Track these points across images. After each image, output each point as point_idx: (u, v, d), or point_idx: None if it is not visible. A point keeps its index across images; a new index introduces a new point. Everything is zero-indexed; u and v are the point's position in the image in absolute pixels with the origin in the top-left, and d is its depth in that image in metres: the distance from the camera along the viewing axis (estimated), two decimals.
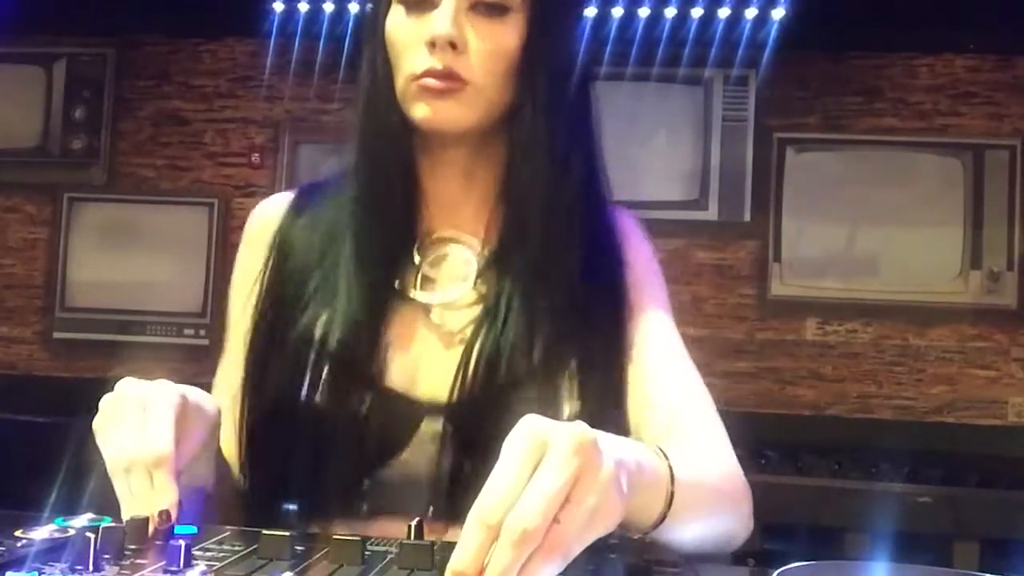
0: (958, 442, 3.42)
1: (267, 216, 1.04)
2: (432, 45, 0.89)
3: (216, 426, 0.88)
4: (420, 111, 0.91)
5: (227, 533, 0.80)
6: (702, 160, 3.55)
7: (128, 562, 0.68)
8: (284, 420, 0.91)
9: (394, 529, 0.83)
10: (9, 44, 3.68)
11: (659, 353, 1.00)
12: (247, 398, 0.98)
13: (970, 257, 3.51)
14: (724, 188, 3.54)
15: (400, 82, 0.93)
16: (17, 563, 0.65)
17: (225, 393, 1.00)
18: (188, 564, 0.67)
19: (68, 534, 0.73)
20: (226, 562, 0.71)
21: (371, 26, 0.95)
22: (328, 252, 0.97)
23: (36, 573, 0.63)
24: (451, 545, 0.78)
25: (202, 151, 3.84)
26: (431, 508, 0.89)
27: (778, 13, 3.19)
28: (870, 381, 3.55)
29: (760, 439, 3.02)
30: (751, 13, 3.20)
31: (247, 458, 0.98)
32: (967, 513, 2.80)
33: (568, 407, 0.91)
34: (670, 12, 3.20)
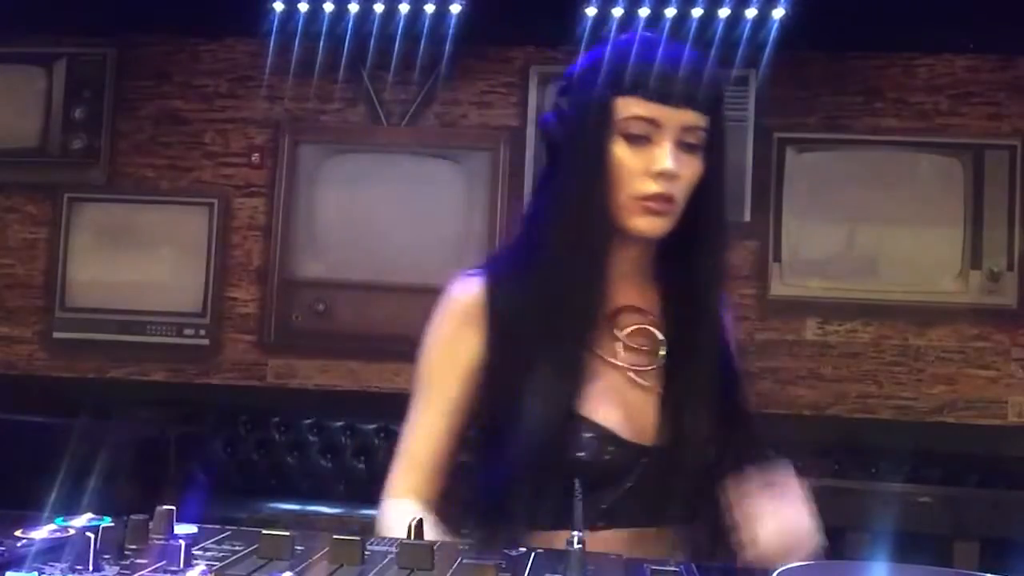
0: (958, 442, 3.42)
1: (472, 295, 1.23)
2: (659, 175, 1.15)
3: None
4: (641, 224, 1.17)
5: (227, 533, 0.80)
6: None
7: (128, 562, 0.69)
8: (548, 467, 1.14)
9: (618, 539, 1.13)
10: (9, 44, 3.68)
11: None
12: (490, 446, 1.20)
13: (970, 257, 3.51)
14: None
15: (621, 198, 1.17)
16: (17, 563, 0.65)
17: (427, 438, 1.20)
18: (188, 564, 0.67)
19: (68, 534, 0.73)
20: (226, 562, 0.71)
21: (590, 145, 1.18)
22: (544, 325, 1.19)
23: (36, 573, 0.63)
24: (451, 545, 0.78)
25: (202, 151, 3.84)
26: (644, 520, 1.16)
27: (778, 13, 3.19)
28: (870, 381, 3.55)
29: (760, 439, 3.02)
30: (751, 13, 3.20)
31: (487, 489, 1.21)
32: (967, 513, 2.80)
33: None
34: (670, 12, 3.20)
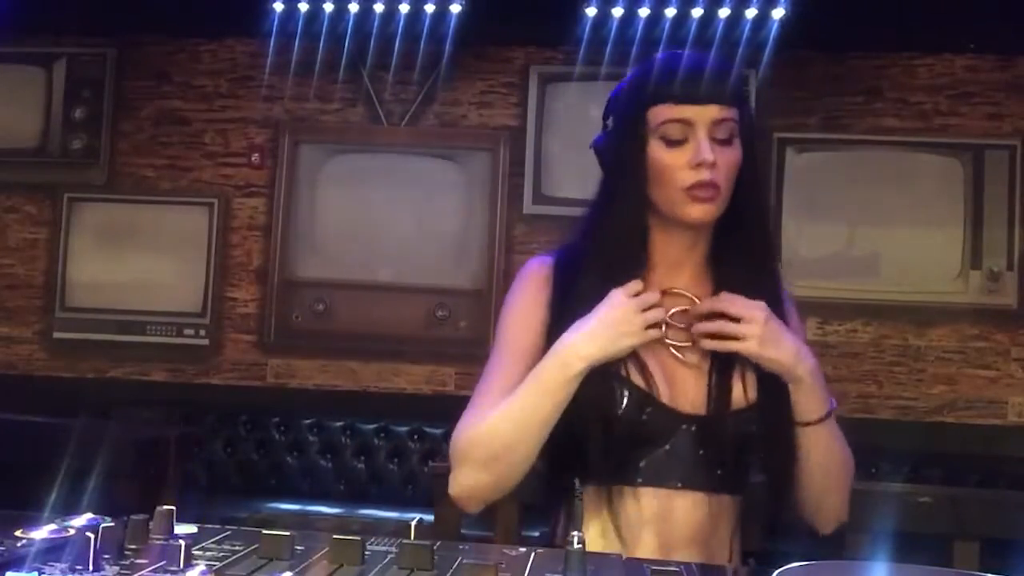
0: (958, 442, 3.42)
1: (544, 270, 1.40)
2: (699, 166, 1.28)
3: None
4: (693, 212, 1.31)
5: (227, 533, 0.80)
6: None
7: (128, 562, 0.68)
8: (590, 420, 1.27)
9: (654, 496, 1.27)
10: (9, 44, 3.68)
11: None
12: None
13: (970, 257, 3.51)
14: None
15: (671, 193, 1.31)
16: (17, 563, 0.65)
17: (500, 379, 1.32)
18: (188, 564, 0.67)
19: (68, 534, 0.73)
20: (226, 562, 0.71)
21: (629, 149, 1.33)
22: (595, 299, 1.31)
23: (36, 573, 0.63)
24: (451, 545, 0.78)
25: (202, 151, 3.84)
26: (680, 482, 1.27)
27: (778, 13, 3.19)
28: (870, 381, 3.55)
29: None
30: (751, 13, 3.20)
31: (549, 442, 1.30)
32: (967, 513, 2.80)
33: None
34: (670, 12, 3.20)
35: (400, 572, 0.72)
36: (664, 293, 1.35)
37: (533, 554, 0.79)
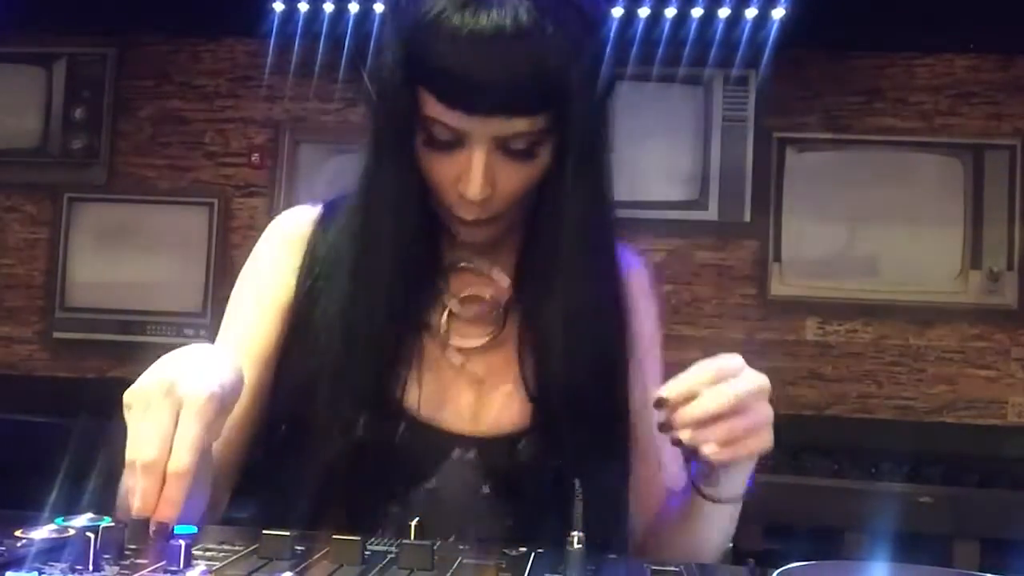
0: (958, 442, 3.42)
1: (298, 224, 1.06)
2: (468, 200, 0.93)
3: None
4: (462, 233, 0.98)
5: (227, 533, 0.80)
6: (702, 160, 3.55)
7: (128, 562, 0.68)
8: (318, 441, 0.95)
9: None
10: (9, 44, 3.68)
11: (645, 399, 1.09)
12: (273, 404, 1.01)
13: (970, 257, 3.51)
14: (724, 188, 3.54)
15: (438, 197, 0.96)
16: (17, 563, 0.65)
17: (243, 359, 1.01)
18: (188, 564, 0.67)
19: (68, 534, 0.73)
20: (226, 562, 0.71)
21: (390, 136, 0.96)
22: (354, 273, 0.99)
23: (36, 573, 0.63)
24: (451, 545, 0.78)
25: (202, 151, 3.84)
26: (454, 535, 0.91)
27: (778, 13, 3.18)
28: (870, 381, 3.54)
29: None
30: (751, 13, 3.20)
31: (266, 463, 1.02)
32: (967, 513, 2.80)
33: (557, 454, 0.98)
34: (670, 12, 3.20)
35: (400, 572, 0.72)
36: (455, 269, 1.03)
37: (533, 554, 0.79)
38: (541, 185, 0.97)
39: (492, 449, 0.97)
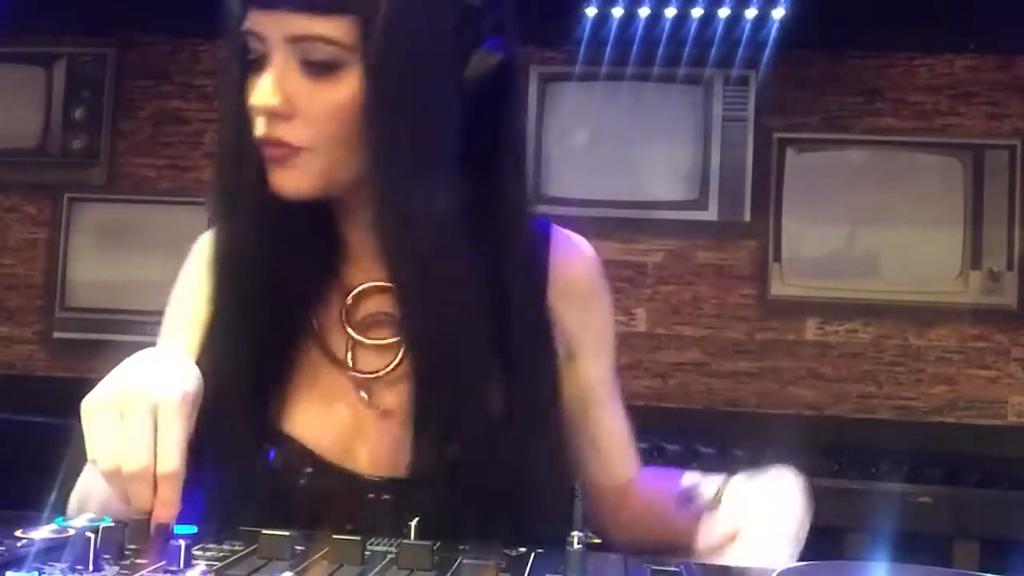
0: (958, 442, 3.42)
1: (206, 241, 0.99)
2: (256, 112, 0.84)
3: None
4: (270, 180, 0.86)
5: (227, 533, 0.80)
6: (702, 160, 3.55)
7: (128, 562, 0.68)
8: (222, 470, 0.89)
9: None
10: (9, 44, 3.68)
11: (598, 400, 1.04)
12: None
13: (970, 257, 3.50)
14: (724, 188, 3.54)
15: (252, 128, 0.86)
16: (17, 563, 0.65)
17: None
18: (188, 564, 0.67)
19: (68, 534, 0.73)
20: (226, 562, 0.71)
21: (222, 71, 0.90)
22: (244, 300, 0.92)
23: (36, 573, 0.63)
24: (452, 545, 0.78)
25: (202, 151, 3.84)
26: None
27: (778, 13, 3.19)
28: (870, 381, 3.54)
29: (760, 439, 3.02)
30: (751, 13, 3.20)
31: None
32: (967, 513, 2.80)
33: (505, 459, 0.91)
34: (670, 12, 3.20)
35: (400, 572, 0.72)
36: (359, 292, 0.94)
37: (533, 554, 0.79)
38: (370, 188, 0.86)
39: (410, 491, 0.89)
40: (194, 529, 0.79)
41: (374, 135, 0.84)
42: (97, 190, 3.84)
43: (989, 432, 3.46)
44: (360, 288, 0.94)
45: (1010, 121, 3.55)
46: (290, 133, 0.84)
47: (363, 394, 0.92)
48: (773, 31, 3.21)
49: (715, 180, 3.54)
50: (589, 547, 0.74)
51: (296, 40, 0.82)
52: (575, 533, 0.74)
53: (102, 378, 0.85)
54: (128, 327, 3.80)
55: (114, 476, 0.77)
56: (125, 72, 3.86)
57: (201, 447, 0.82)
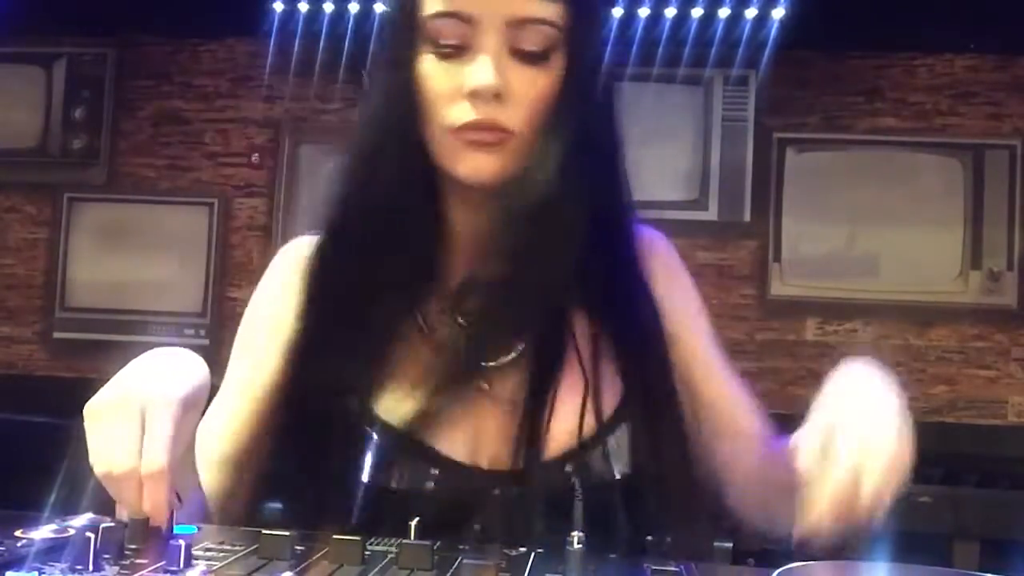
0: (958, 442, 3.41)
1: (301, 254, 0.96)
2: (473, 96, 0.83)
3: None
4: (463, 167, 0.85)
5: (227, 533, 0.80)
6: (702, 160, 3.55)
7: (128, 562, 0.68)
8: (343, 490, 0.87)
9: None
10: (9, 44, 3.68)
11: (709, 369, 1.04)
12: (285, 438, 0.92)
13: (970, 257, 3.50)
14: (724, 188, 3.54)
15: (436, 133, 0.86)
16: (17, 563, 0.65)
17: (224, 418, 0.96)
18: (188, 564, 0.67)
19: (68, 534, 0.73)
20: (226, 562, 0.71)
21: (391, 62, 0.87)
22: (361, 307, 0.90)
23: (36, 573, 0.63)
24: (451, 545, 0.78)
25: (202, 151, 3.84)
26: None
27: (778, 13, 3.18)
28: None
29: None
30: (751, 13, 3.20)
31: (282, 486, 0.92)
32: (967, 513, 2.80)
33: (618, 464, 0.91)
34: (670, 12, 3.20)
35: (400, 572, 0.72)
36: (462, 286, 0.92)
37: (533, 554, 0.79)
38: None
39: (519, 487, 0.87)
40: (194, 529, 0.79)
41: (562, 124, 0.85)
42: (97, 190, 3.84)
43: (989, 432, 3.46)
44: (465, 279, 0.93)
45: (1010, 121, 3.55)
46: (506, 117, 0.84)
47: (485, 385, 0.90)
48: (773, 31, 3.21)
49: (715, 180, 3.54)
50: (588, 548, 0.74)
51: (518, 23, 0.82)
52: (575, 533, 0.74)
53: (102, 378, 0.85)
54: (128, 327, 3.80)
55: (106, 479, 0.78)
56: (125, 72, 3.86)
57: (310, 451, 0.83)
